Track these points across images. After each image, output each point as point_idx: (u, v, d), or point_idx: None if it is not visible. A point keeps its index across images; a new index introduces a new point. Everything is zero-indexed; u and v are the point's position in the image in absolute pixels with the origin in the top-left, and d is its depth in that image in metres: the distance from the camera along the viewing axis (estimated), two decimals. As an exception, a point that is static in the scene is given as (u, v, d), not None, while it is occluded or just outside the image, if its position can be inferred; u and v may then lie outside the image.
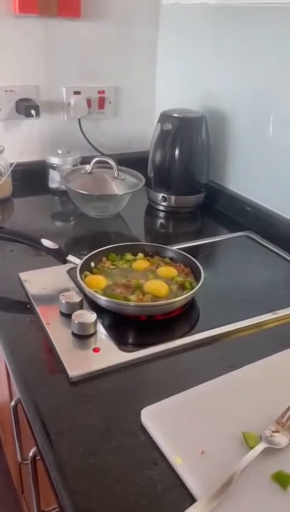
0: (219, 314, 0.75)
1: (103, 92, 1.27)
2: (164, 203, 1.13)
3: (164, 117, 1.09)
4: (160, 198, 1.13)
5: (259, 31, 0.97)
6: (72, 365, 0.60)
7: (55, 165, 1.18)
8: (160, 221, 1.13)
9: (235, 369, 0.61)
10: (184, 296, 0.70)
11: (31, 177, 1.20)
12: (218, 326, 0.70)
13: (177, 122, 1.07)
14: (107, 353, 0.63)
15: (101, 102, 1.27)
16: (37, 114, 1.16)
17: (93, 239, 1.02)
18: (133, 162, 1.18)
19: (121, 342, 0.66)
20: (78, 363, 0.61)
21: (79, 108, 1.24)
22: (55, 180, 1.20)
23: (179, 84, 1.26)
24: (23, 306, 0.74)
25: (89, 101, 1.25)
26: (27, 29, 1.13)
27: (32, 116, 1.15)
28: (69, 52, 1.20)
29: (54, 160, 1.18)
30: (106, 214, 1.08)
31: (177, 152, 1.08)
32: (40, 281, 0.79)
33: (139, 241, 1.00)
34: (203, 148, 1.10)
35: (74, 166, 1.17)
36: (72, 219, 1.12)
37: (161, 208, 1.14)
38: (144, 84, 1.32)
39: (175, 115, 1.07)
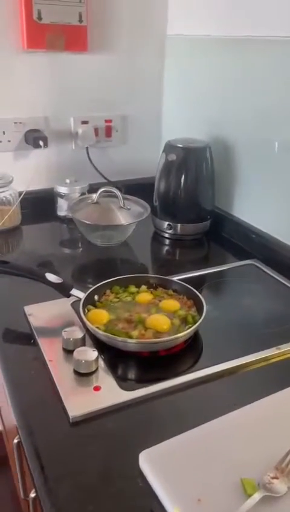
0: (222, 349, 0.75)
1: (110, 121, 1.29)
2: (169, 231, 1.14)
3: (169, 147, 1.10)
4: (165, 226, 1.13)
5: (260, 61, 0.98)
6: (72, 405, 0.61)
7: (63, 194, 1.20)
8: (166, 248, 1.14)
9: (238, 407, 0.61)
10: (185, 333, 0.70)
11: (39, 205, 1.23)
12: (221, 362, 0.70)
13: (182, 153, 1.08)
14: (107, 392, 0.63)
15: (108, 131, 1.30)
16: (45, 145, 1.18)
17: (99, 267, 1.03)
18: (139, 188, 1.20)
19: (122, 379, 0.66)
20: (79, 402, 0.61)
21: (87, 138, 1.26)
22: (62, 209, 1.22)
23: (185, 113, 1.28)
24: (27, 341, 0.75)
25: (96, 130, 1.27)
26: (36, 64, 1.17)
27: (41, 147, 1.18)
28: (77, 83, 1.23)
29: (62, 189, 1.20)
30: (112, 242, 1.09)
31: (182, 181, 1.09)
32: (45, 314, 0.80)
33: (146, 269, 1.01)
34: (207, 176, 1.11)
35: (81, 194, 1.19)
36: (79, 246, 1.13)
37: (167, 235, 1.15)
38: (151, 113, 1.35)
39: (179, 145, 1.08)
